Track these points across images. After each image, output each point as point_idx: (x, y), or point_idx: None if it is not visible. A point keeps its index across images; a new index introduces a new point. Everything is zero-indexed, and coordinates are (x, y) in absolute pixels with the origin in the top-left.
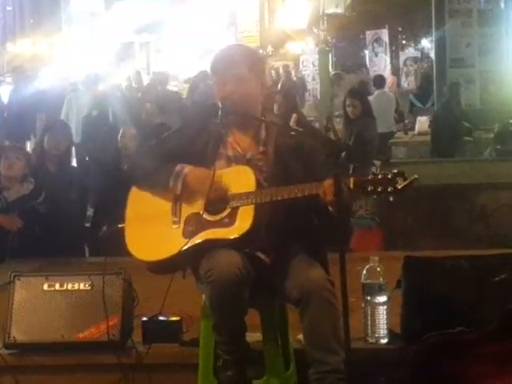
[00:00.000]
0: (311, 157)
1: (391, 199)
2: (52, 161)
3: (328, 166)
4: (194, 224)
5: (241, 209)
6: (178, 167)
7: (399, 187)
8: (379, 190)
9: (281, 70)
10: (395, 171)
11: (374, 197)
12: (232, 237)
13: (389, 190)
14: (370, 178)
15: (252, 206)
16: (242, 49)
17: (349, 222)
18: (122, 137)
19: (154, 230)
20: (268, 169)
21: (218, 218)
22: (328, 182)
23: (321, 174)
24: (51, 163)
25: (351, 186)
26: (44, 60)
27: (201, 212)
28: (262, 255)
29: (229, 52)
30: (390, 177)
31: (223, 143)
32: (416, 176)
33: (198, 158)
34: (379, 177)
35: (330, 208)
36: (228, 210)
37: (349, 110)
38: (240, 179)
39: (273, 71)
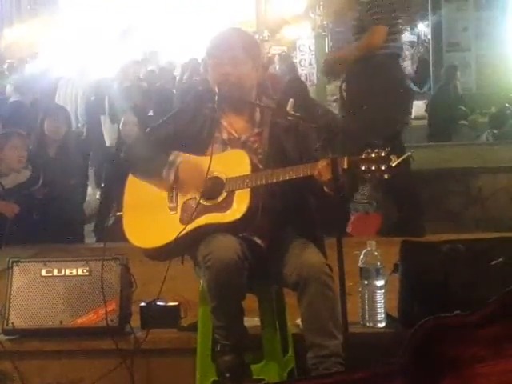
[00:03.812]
0: (306, 137)
1: (386, 177)
2: (52, 146)
3: (323, 148)
4: (191, 210)
5: (237, 193)
6: (172, 156)
7: (393, 165)
8: (373, 168)
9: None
10: (388, 149)
11: (369, 175)
12: (229, 220)
13: (383, 168)
14: (363, 156)
15: (248, 190)
16: (239, 32)
17: (346, 206)
18: (123, 125)
19: (151, 216)
20: (263, 150)
21: (214, 202)
22: (322, 163)
23: (315, 155)
24: (51, 148)
25: (345, 165)
26: (41, 45)
27: (197, 197)
28: (258, 240)
29: (225, 36)
30: (383, 155)
31: (218, 127)
32: (409, 153)
33: (194, 142)
34: (372, 155)
35: (326, 189)
36: (224, 195)
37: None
38: (235, 163)
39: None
